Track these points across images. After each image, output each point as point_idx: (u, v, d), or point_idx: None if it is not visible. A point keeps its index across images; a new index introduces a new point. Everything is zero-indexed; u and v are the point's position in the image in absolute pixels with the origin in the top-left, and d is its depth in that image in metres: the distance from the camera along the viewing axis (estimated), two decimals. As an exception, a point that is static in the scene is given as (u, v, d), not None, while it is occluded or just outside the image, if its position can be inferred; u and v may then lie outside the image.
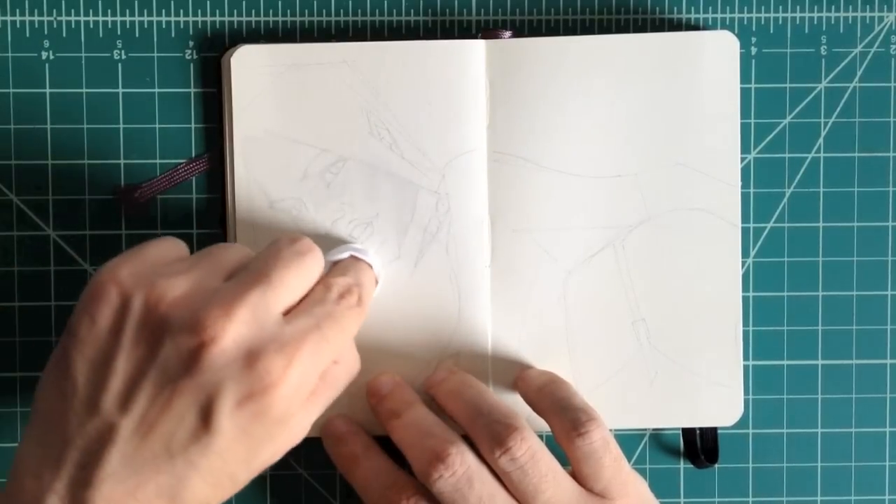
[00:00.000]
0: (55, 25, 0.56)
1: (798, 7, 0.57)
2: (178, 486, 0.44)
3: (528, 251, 0.55)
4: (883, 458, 0.58)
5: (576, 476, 0.51)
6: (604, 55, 0.55)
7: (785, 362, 0.58)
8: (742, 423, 0.56)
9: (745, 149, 0.57)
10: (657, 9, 0.57)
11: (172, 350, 0.44)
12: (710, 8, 0.57)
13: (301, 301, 0.48)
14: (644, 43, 0.55)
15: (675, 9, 0.57)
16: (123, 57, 0.56)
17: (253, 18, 0.56)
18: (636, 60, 0.55)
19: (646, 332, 0.56)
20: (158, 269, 0.47)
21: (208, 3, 0.56)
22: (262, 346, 0.45)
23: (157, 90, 0.56)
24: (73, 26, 0.56)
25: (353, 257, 0.53)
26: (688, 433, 0.57)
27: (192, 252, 0.50)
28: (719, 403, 0.56)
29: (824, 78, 0.57)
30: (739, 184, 0.56)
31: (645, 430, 0.58)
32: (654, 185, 0.55)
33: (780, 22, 0.57)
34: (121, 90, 0.56)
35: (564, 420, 0.51)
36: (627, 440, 0.57)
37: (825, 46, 0.57)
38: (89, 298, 0.46)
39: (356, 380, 0.51)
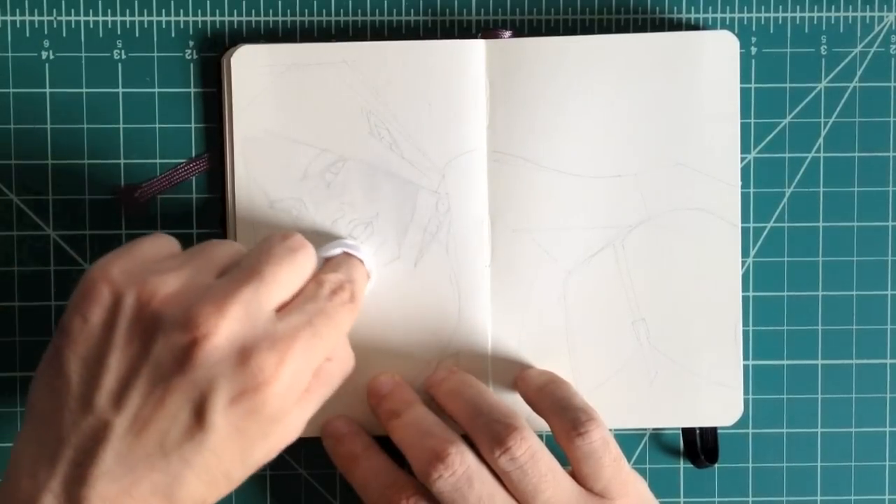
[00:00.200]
0: (55, 25, 0.56)
1: (798, 7, 0.57)
2: (173, 484, 0.44)
3: (528, 251, 0.55)
4: (883, 458, 0.58)
5: (575, 476, 0.51)
6: (604, 55, 0.55)
7: (785, 362, 0.58)
8: (742, 422, 0.56)
9: (745, 149, 0.57)
10: (657, 9, 0.57)
11: (165, 347, 0.44)
12: (710, 8, 0.57)
13: (294, 298, 0.48)
14: (644, 43, 0.55)
15: (675, 9, 0.57)
16: (123, 57, 0.56)
17: (253, 18, 0.56)
18: (636, 60, 0.55)
19: (646, 332, 0.56)
20: (150, 266, 0.47)
21: (208, 3, 0.56)
22: (254, 343, 0.45)
23: (157, 90, 0.56)
24: (73, 26, 0.56)
25: (345, 253, 0.53)
26: (688, 433, 0.57)
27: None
28: (719, 403, 0.56)
29: (824, 78, 0.57)
30: (739, 184, 0.55)
31: (645, 429, 0.58)
32: (653, 185, 0.55)
33: (780, 22, 0.57)
34: (121, 90, 0.56)
35: (564, 420, 0.51)
36: (627, 440, 0.57)
37: (825, 46, 0.57)
38: (81, 296, 0.46)
39: (356, 380, 0.51)
